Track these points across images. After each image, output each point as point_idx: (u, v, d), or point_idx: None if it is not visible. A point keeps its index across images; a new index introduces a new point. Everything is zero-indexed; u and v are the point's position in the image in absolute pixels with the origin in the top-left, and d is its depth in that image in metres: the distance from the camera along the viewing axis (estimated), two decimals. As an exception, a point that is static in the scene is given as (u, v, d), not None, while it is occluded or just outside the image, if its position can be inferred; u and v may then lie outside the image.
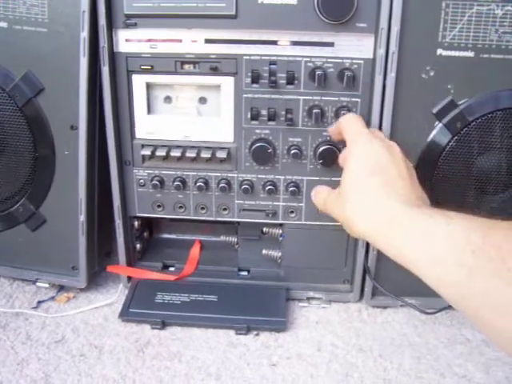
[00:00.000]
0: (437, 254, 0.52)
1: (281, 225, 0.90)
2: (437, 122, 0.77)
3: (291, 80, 0.78)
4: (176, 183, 0.85)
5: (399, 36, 0.73)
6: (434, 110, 0.77)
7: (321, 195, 0.76)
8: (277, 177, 0.85)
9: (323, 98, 0.79)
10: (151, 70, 0.80)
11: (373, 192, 0.63)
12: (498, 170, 0.79)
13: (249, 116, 0.81)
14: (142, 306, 0.86)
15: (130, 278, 0.93)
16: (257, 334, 0.83)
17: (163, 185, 0.86)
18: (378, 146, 0.67)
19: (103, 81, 0.79)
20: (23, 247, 0.91)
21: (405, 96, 0.76)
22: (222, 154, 0.82)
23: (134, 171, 0.86)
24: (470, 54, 0.74)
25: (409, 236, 0.56)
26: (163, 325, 0.84)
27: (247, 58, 0.78)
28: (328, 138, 0.81)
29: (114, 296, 0.91)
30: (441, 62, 0.74)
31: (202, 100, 0.83)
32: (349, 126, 0.73)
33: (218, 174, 0.85)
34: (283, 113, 0.80)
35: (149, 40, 0.78)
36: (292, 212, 0.87)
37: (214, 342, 0.82)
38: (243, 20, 0.75)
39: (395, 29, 0.72)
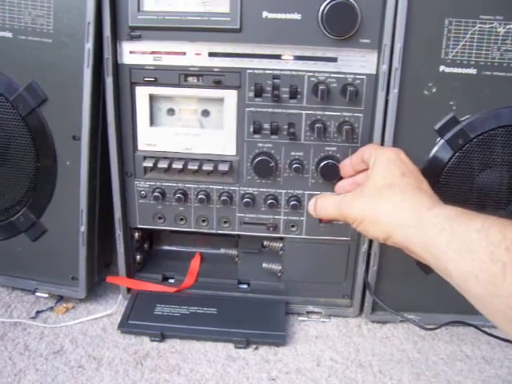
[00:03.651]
0: (470, 246, 0.51)
1: (281, 238, 0.90)
2: (439, 139, 0.78)
3: (294, 94, 0.78)
4: (177, 195, 0.85)
5: (402, 52, 0.73)
6: (436, 127, 0.77)
7: (329, 199, 0.73)
8: (278, 190, 0.85)
9: (326, 113, 0.79)
10: (155, 82, 0.80)
11: (406, 189, 0.64)
12: (499, 186, 0.79)
13: (251, 129, 0.81)
14: (141, 318, 0.86)
15: (129, 290, 0.93)
16: (256, 348, 0.83)
17: (164, 197, 0.86)
18: (404, 156, 0.69)
19: (106, 92, 0.79)
20: (23, 257, 0.91)
21: (407, 112, 0.77)
22: (223, 167, 0.83)
23: (136, 183, 0.86)
24: (473, 71, 0.74)
25: (442, 227, 0.56)
26: (162, 337, 0.84)
27: (251, 71, 0.78)
28: (330, 153, 0.81)
29: (114, 307, 0.91)
30: (443, 78, 0.75)
31: (205, 113, 0.83)
32: (373, 145, 0.75)
33: (220, 187, 0.85)
34: (286, 127, 0.80)
35: (153, 52, 0.78)
36: (293, 226, 0.87)
37: (213, 355, 0.82)
38: (247, 34, 0.76)
39: (398, 45, 0.73)
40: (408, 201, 0.62)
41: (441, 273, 0.57)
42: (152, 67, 0.79)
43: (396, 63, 0.74)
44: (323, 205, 0.73)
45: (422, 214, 0.59)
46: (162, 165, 0.83)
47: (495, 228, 0.51)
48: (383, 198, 0.64)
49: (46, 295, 0.92)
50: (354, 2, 0.72)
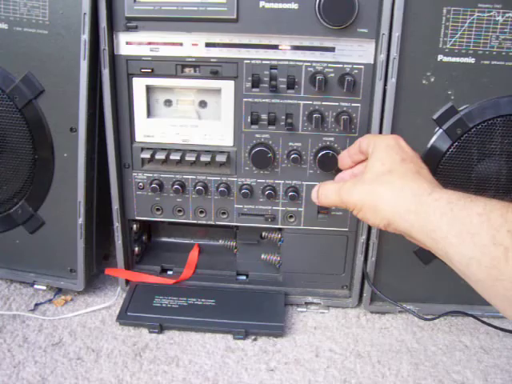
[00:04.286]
0: (471, 230, 0.51)
1: (280, 229, 0.90)
2: (437, 128, 0.77)
3: (292, 84, 0.78)
4: (175, 187, 0.85)
5: (400, 42, 0.73)
6: (435, 116, 0.77)
7: (330, 186, 0.72)
8: (276, 181, 0.84)
9: (323, 103, 0.79)
10: (151, 73, 0.79)
11: (405, 175, 0.63)
12: (498, 176, 0.79)
13: (249, 120, 0.81)
14: (139, 310, 0.86)
15: (128, 282, 0.93)
16: (255, 339, 0.83)
17: (162, 188, 0.86)
18: (403, 142, 0.68)
19: (103, 83, 0.79)
20: (21, 249, 0.91)
21: (405, 101, 0.76)
22: (221, 158, 0.82)
23: (133, 174, 0.86)
24: (471, 60, 0.74)
25: (443, 211, 0.55)
26: (161, 329, 0.84)
27: (248, 62, 0.77)
28: (328, 143, 0.81)
29: (112, 299, 0.91)
30: (441, 67, 0.74)
31: (202, 104, 0.82)
32: (370, 135, 0.74)
33: (218, 178, 0.85)
34: (283, 117, 0.80)
35: (149, 43, 0.78)
36: (291, 217, 0.87)
37: (211, 346, 0.82)
38: (244, 24, 0.75)
39: (396, 34, 0.72)
40: (408, 186, 0.61)
41: (442, 258, 0.56)
42: (149, 58, 0.79)
43: (394, 52, 0.73)
44: (324, 192, 0.73)
45: (422, 198, 0.58)
46: (160, 156, 0.83)
47: (497, 211, 0.50)
48: (383, 183, 0.63)
49: (45, 288, 0.92)
50: (351, -10, 0.72)
